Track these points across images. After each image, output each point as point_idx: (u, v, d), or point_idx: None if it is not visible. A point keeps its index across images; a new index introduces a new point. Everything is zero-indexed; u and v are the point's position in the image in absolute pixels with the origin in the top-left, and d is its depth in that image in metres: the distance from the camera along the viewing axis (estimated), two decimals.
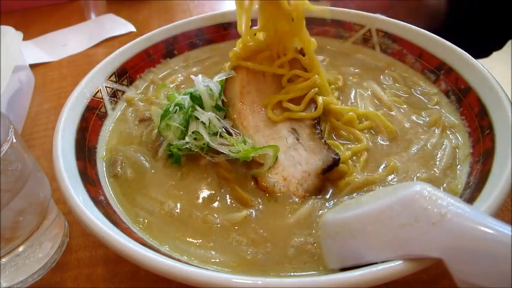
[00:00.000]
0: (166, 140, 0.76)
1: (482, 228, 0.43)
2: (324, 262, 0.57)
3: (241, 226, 0.64)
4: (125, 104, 0.92)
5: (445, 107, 0.82)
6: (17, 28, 1.16)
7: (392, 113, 0.83)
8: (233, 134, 0.74)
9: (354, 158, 0.74)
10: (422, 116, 0.81)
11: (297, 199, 0.67)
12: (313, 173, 0.69)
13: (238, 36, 1.09)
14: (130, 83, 0.96)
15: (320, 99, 0.79)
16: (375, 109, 0.83)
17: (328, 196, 0.68)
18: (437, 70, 0.86)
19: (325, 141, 0.74)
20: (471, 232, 0.43)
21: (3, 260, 0.63)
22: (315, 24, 1.06)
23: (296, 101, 0.80)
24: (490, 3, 1.19)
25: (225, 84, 0.84)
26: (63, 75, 1.29)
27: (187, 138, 0.72)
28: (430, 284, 0.63)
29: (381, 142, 0.77)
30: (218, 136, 0.73)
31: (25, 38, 1.24)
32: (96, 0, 1.78)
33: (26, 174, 0.62)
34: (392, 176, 0.70)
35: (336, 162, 0.69)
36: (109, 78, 0.90)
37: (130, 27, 1.50)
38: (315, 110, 0.78)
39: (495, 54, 1.34)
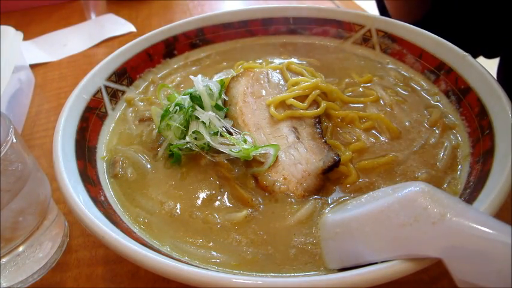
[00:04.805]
0: (167, 140, 0.76)
1: (482, 228, 0.43)
2: (324, 262, 0.57)
3: (241, 226, 0.64)
4: (125, 104, 0.92)
5: (445, 107, 0.82)
6: (17, 28, 1.16)
7: (393, 111, 0.83)
8: (233, 133, 0.74)
9: (354, 155, 0.74)
10: (423, 116, 0.81)
11: (297, 199, 0.67)
12: (313, 173, 0.69)
13: (237, 36, 1.10)
14: (131, 83, 0.96)
15: (323, 102, 0.80)
16: (377, 109, 0.83)
17: (328, 196, 0.68)
18: (437, 70, 0.86)
19: (325, 141, 0.74)
20: (471, 232, 0.43)
21: (3, 260, 0.63)
22: (315, 24, 1.06)
23: (299, 101, 0.81)
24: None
25: (229, 83, 0.85)
26: (63, 75, 1.29)
27: (187, 138, 0.72)
28: (430, 284, 0.63)
29: (382, 141, 0.77)
30: (219, 135, 0.73)
31: (25, 38, 1.24)
32: (96, 0, 1.78)
33: (26, 174, 0.62)
34: (393, 175, 0.70)
35: (336, 163, 0.69)
36: (109, 78, 0.90)
37: (131, 27, 1.50)
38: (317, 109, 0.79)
39: None
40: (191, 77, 0.82)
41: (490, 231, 0.43)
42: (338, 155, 0.70)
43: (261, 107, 0.82)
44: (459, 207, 0.46)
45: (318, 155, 0.71)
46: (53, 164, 0.65)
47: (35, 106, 1.16)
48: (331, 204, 0.66)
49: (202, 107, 0.77)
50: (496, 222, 0.44)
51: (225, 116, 0.80)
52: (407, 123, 0.80)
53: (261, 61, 1.01)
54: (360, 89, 0.89)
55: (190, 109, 0.75)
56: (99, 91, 0.86)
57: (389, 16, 1.29)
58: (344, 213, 0.57)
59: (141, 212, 0.68)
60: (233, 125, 0.77)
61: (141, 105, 0.92)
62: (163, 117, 0.76)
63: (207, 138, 0.71)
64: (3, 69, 0.99)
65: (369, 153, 0.74)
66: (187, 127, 0.75)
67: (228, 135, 0.72)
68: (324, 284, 0.47)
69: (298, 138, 0.75)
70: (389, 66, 0.96)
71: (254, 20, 1.07)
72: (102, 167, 0.76)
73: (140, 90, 0.97)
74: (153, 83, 0.99)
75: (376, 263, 0.48)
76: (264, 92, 0.84)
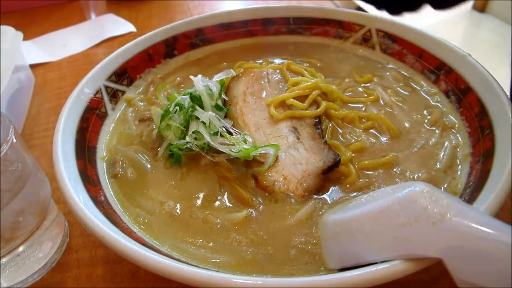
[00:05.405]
0: (167, 140, 0.76)
1: (482, 228, 0.43)
2: (324, 262, 0.57)
3: (241, 226, 0.64)
4: (125, 104, 0.92)
5: (445, 107, 0.82)
6: (17, 28, 1.16)
7: (393, 111, 0.83)
8: (233, 133, 0.74)
9: (354, 155, 0.74)
10: (423, 116, 0.81)
11: (297, 199, 0.67)
12: (313, 173, 0.69)
13: (237, 36, 1.10)
14: (131, 83, 0.96)
15: (323, 102, 0.80)
16: (377, 109, 0.83)
17: (328, 196, 0.68)
18: (437, 70, 0.86)
19: (325, 141, 0.74)
20: (471, 232, 0.43)
21: (3, 260, 0.63)
22: (315, 24, 1.06)
23: (299, 101, 0.80)
24: None
25: (229, 83, 0.85)
26: (63, 75, 1.29)
27: (187, 138, 0.72)
28: (430, 284, 0.63)
29: (382, 141, 0.77)
30: (219, 136, 0.73)
31: (25, 38, 1.24)
32: (96, 0, 1.78)
33: (26, 174, 0.62)
34: (393, 175, 0.70)
35: (336, 163, 0.69)
36: (109, 78, 0.90)
37: (131, 27, 1.50)
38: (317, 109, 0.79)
39: (495, 55, 1.33)
40: (191, 77, 0.82)
41: (490, 231, 0.43)
42: (338, 155, 0.70)
43: (261, 107, 0.82)
44: (459, 207, 0.46)
45: (318, 155, 0.71)
46: (53, 164, 0.65)
47: (35, 106, 1.16)
48: (331, 204, 0.66)
49: (202, 107, 0.77)
50: (496, 222, 0.44)
51: (225, 116, 0.80)
52: (407, 124, 0.80)
53: (261, 61, 1.01)
54: (360, 89, 0.89)
55: (190, 109, 0.75)
56: (99, 91, 0.86)
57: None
58: (344, 213, 0.57)
59: (141, 212, 0.68)
60: (233, 125, 0.77)
61: (141, 105, 0.92)
62: (163, 117, 0.76)
63: (207, 138, 0.71)
64: (3, 69, 0.99)
65: (369, 153, 0.74)
66: (187, 127, 0.75)
67: (228, 135, 0.72)
68: (324, 284, 0.47)
69: (298, 138, 0.75)
70: (390, 66, 0.96)
71: (254, 20, 1.07)
72: (102, 167, 0.76)
73: (140, 90, 0.97)
74: (153, 83, 0.99)
75: (376, 263, 0.48)
76: (264, 92, 0.84)
